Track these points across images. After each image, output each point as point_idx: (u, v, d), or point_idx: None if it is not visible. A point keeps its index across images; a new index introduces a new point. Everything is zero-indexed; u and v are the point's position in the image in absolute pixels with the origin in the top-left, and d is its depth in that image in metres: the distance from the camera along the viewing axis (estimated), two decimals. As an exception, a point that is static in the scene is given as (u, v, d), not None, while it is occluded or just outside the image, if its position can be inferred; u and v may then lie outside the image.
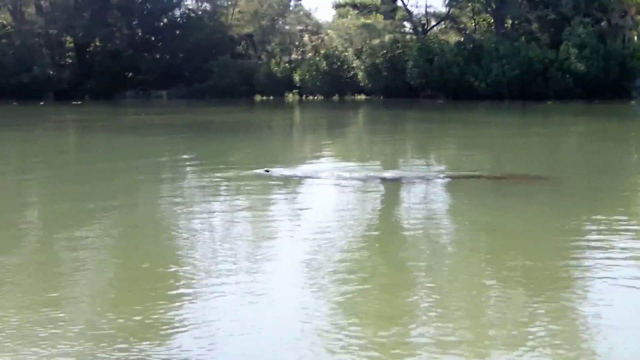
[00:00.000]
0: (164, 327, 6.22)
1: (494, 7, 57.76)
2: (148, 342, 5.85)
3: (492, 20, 60.58)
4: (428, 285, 7.50)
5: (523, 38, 54.71)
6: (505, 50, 53.44)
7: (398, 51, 61.29)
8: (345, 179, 15.09)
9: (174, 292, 7.23)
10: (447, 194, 13.81)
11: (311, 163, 19.04)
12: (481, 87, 54.27)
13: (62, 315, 6.50)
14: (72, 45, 73.40)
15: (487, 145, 24.18)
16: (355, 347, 5.76)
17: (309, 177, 15.55)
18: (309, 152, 22.97)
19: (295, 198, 13.24)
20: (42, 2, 72.83)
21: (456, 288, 7.39)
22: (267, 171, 15.43)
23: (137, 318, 6.39)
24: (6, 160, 20.79)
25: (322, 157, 21.07)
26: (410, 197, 13.39)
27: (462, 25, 64.73)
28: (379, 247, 9.32)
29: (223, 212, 11.84)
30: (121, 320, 6.31)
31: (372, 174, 15.78)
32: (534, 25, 57.24)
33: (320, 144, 25.98)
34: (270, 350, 5.75)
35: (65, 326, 6.19)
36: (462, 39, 59.75)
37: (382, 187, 14.44)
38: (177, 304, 6.82)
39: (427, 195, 13.49)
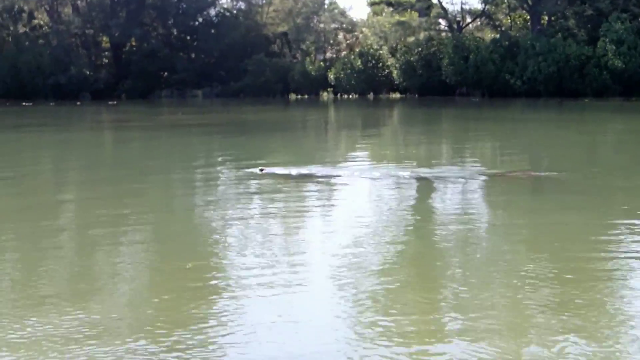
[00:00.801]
0: (203, 320, 6.23)
1: (530, 3, 57.36)
2: (187, 334, 5.91)
3: (528, 17, 60.16)
4: (465, 277, 7.45)
5: (559, 34, 54.24)
6: (541, 47, 53.06)
7: (433, 49, 61.11)
8: (379, 177, 15.04)
9: (212, 287, 7.23)
10: (481, 190, 13.71)
11: (345, 161, 18.98)
12: (517, 84, 53.91)
13: (104, 309, 6.53)
14: (108, 45, 74.06)
15: (523, 143, 24.00)
16: (390, 338, 5.73)
17: (341, 175, 15.51)
18: (343, 150, 22.93)
19: (331, 196, 13.20)
20: (79, 2, 73.45)
21: (493, 280, 7.32)
22: (261, 170, 15.37)
23: (176, 312, 6.43)
24: (42, 160, 20.95)
25: (357, 155, 21.01)
26: (445, 194, 13.30)
27: (497, 22, 64.32)
28: (415, 242, 9.26)
29: (259, 209, 11.84)
30: (161, 317, 6.32)
31: (406, 172, 15.71)
32: (571, 22, 56.76)
33: (355, 142, 25.93)
34: (306, 341, 5.74)
35: (109, 321, 6.22)
36: (497, 36, 59.40)
37: (417, 185, 14.37)
38: (216, 298, 6.84)
39: (460, 192, 13.40)
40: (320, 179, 14.90)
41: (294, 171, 15.93)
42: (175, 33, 74.56)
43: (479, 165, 17.85)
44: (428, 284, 7.39)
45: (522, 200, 12.86)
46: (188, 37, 74.70)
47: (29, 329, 6.18)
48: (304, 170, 16.27)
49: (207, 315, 6.46)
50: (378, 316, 6.31)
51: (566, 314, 6.37)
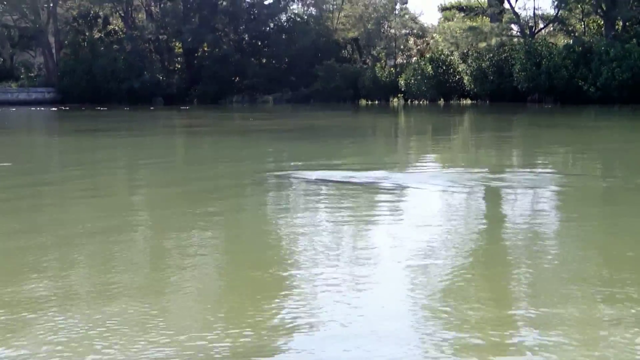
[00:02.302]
0: (272, 321, 6.28)
1: (604, 8, 56.51)
2: (254, 336, 5.94)
3: (602, 22, 59.27)
4: (537, 288, 7.36)
5: (634, 40, 53.31)
6: (615, 53, 52.24)
7: (505, 54, 60.63)
8: (449, 182, 15.00)
9: (281, 287, 7.29)
10: (553, 197, 13.56)
11: (415, 166, 18.95)
12: (590, 90, 53.16)
13: (173, 311, 6.60)
14: (180, 50, 75.05)
15: (596, 150, 23.67)
16: (458, 351, 5.69)
17: (410, 179, 15.50)
18: (414, 155, 22.88)
19: (399, 201, 13.19)
20: (153, 8, 74.53)
21: (567, 292, 7.23)
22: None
23: (245, 314, 6.47)
24: (115, 163, 21.30)
25: (427, 160, 20.95)
26: (516, 201, 13.19)
27: (570, 28, 63.51)
28: (486, 249, 9.21)
29: (326, 213, 11.88)
30: (231, 318, 6.37)
31: (477, 178, 15.63)
32: (646, 27, 55.79)
33: (425, 148, 25.85)
34: (372, 342, 5.76)
35: (178, 321, 6.28)
36: (570, 42, 58.61)
37: (488, 190, 14.28)
38: (284, 300, 6.86)
39: (532, 199, 13.27)
40: (388, 184, 14.89)
41: (361, 175, 15.96)
42: (246, 38, 75.18)
43: (551, 171, 17.67)
44: (499, 295, 7.28)
45: (597, 208, 12.69)
46: (259, 43, 75.26)
47: (101, 320, 6.31)
48: (372, 174, 16.29)
49: (276, 315, 6.51)
50: (447, 328, 6.24)
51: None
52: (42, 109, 59.59)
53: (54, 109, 59.21)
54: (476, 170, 17.84)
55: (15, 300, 7.04)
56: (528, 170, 18.08)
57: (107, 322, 6.40)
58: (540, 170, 18.08)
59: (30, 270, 8.22)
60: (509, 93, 58.63)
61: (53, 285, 7.68)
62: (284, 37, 73.21)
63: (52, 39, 74.01)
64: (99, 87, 66.99)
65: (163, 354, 5.69)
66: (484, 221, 11.43)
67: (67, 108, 58.91)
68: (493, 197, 13.94)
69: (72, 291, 7.44)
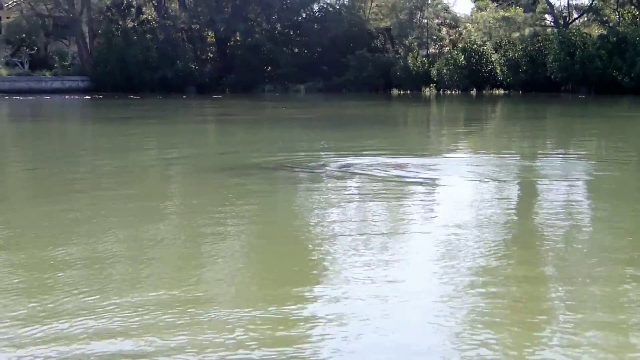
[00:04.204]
0: (301, 313, 6.30)
1: (640, -2, 55.95)
2: (285, 332, 5.94)
3: (637, 12, 58.68)
4: (569, 278, 7.36)
5: (670, 30, 52.79)
6: (651, 43, 51.73)
7: (538, 45, 60.22)
8: (481, 170, 15.01)
9: (311, 282, 7.35)
10: (587, 185, 13.52)
11: (447, 154, 18.96)
12: (625, 81, 52.72)
13: (204, 304, 6.63)
14: (213, 39, 75.13)
15: (630, 140, 23.54)
16: (490, 345, 5.70)
17: (442, 167, 15.54)
18: (447, 143, 22.87)
19: (428, 189, 13.20)
20: (186, -3, 74.67)
21: (600, 282, 7.21)
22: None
23: (273, 308, 6.45)
24: (149, 150, 21.45)
25: (459, 148, 20.94)
26: (550, 189, 13.15)
27: (605, 18, 62.90)
28: (520, 238, 9.22)
29: (358, 201, 11.94)
30: (259, 311, 6.37)
31: (509, 165, 15.62)
32: (682, 17, 55.20)
33: (457, 136, 25.82)
34: (403, 337, 5.77)
35: (210, 312, 6.33)
36: (605, 32, 58.09)
37: (520, 179, 14.27)
38: (314, 294, 6.87)
39: (566, 187, 13.25)
40: (422, 170, 14.92)
41: (393, 162, 16.01)
42: (278, 28, 75.07)
43: (584, 159, 17.61)
44: (534, 290, 7.16)
45: (630, 196, 12.64)
46: (291, 32, 75.13)
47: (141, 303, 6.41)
48: (405, 161, 16.33)
49: (310, 306, 6.54)
50: (479, 323, 6.15)
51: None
52: (76, 97, 59.97)
53: (87, 97, 59.56)
54: (509, 157, 17.82)
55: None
56: (561, 157, 18.04)
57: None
58: (573, 158, 18.03)
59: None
60: (542, 83, 58.22)
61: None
62: (316, 26, 73.03)
63: (85, 28, 74.36)
64: (132, 75, 67.21)
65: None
66: (517, 207, 11.43)
67: (101, 96, 59.23)
68: (526, 184, 13.92)
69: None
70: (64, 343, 5.61)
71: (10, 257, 8.24)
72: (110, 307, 6.38)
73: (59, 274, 7.47)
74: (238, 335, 5.74)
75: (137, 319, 6.12)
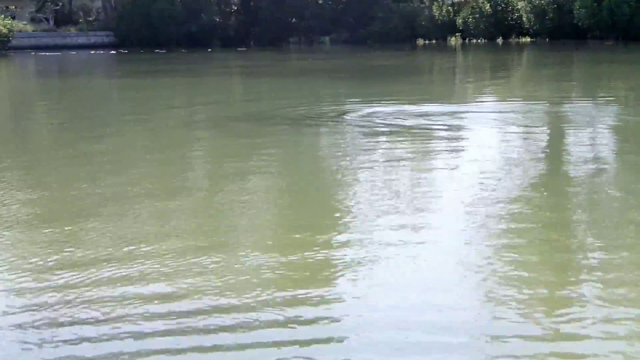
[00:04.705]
0: (325, 270, 6.26)
1: (669, -58, 54.94)
2: (311, 286, 5.88)
3: (667, -44, 57.67)
4: (599, 235, 7.24)
5: (701, -25, 51.84)
6: (681, -13, 50.88)
7: (565, -9, 59.44)
8: (508, 116, 14.97)
9: (337, 234, 7.37)
10: (613, 130, 13.45)
11: (473, 102, 18.88)
12: (654, 27, 52.00)
13: (229, 259, 6.55)
14: (237, -8, 74.72)
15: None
16: (520, 301, 5.63)
17: (467, 115, 15.52)
18: (471, 92, 22.76)
19: (454, 136, 13.17)
20: (209, -50, 74.19)
21: (627, 239, 7.12)
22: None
23: (299, 263, 6.35)
24: (174, 103, 21.52)
25: (485, 97, 20.84)
26: (577, 135, 13.09)
27: (633, -37, 61.88)
28: (548, 186, 9.21)
29: (382, 151, 11.95)
30: (282, 269, 6.28)
31: (536, 110, 15.57)
32: None
33: (483, 85, 25.67)
34: (428, 293, 5.74)
35: (234, 270, 6.31)
36: (633, -23, 57.20)
37: (547, 124, 14.22)
38: (340, 248, 6.77)
39: (592, 135, 13.18)
40: (446, 118, 14.90)
41: (419, 110, 16.00)
42: (303, -21, 74.62)
43: (612, 105, 17.50)
44: (560, 241, 6.97)
45: None
46: (316, -17, 74.66)
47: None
48: (431, 109, 16.31)
49: (334, 265, 6.52)
50: (507, 279, 5.94)
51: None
52: (101, 52, 60.15)
53: (113, 52, 59.72)
54: (537, 104, 17.75)
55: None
56: (589, 103, 17.92)
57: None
58: (601, 103, 17.91)
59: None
60: (569, 30, 57.52)
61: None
62: (340, -23, 72.62)
63: (109, -17, 74.46)
64: (157, 30, 67.14)
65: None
66: (545, 152, 11.40)
67: (126, 51, 59.34)
68: (554, 130, 13.87)
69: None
70: (100, 287, 5.72)
71: (38, 199, 8.39)
72: (140, 254, 6.47)
73: (90, 216, 7.60)
74: (267, 278, 5.82)
75: (169, 263, 6.22)
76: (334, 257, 6.33)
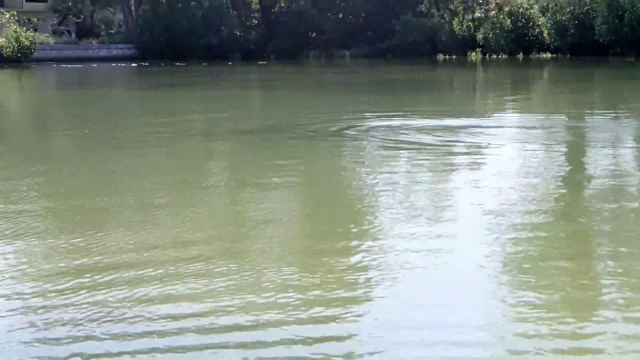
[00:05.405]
0: (350, 274, 6.27)
1: (692, -42, 54.81)
2: (334, 290, 5.90)
3: (689, -27, 57.50)
4: (618, 245, 7.24)
5: None
6: (702, 4, 50.67)
7: (586, 7, 59.37)
8: (529, 131, 14.92)
9: (357, 236, 7.36)
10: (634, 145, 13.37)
11: (493, 117, 18.82)
12: (675, 43, 51.80)
13: (250, 265, 6.60)
14: (257, 6, 75.08)
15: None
16: (537, 307, 5.62)
17: (488, 130, 15.46)
18: (492, 107, 22.70)
19: (476, 150, 13.11)
20: (230, -36, 74.56)
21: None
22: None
23: (321, 269, 6.40)
24: (194, 115, 21.56)
25: (506, 112, 20.76)
26: (598, 150, 13.00)
27: (655, -21, 61.75)
28: (566, 200, 9.16)
29: (405, 163, 11.92)
30: (305, 274, 6.33)
31: (557, 126, 15.50)
32: None
33: (503, 100, 25.57)
34: (447, 297, 5.74)
35: (254, 275, 6.34)
36: (655, -7, 57.05)
37: (568, 140, 14.16)
38: (364, 254, 6.81)
39: (612, 148, 13.09)
40: (467, 133, 14.86)
41: (441, 124, 15.97)
42: (323, -7, 74.88)
43: (635, 121, 17.42)
44: (581, 250, 7.03)
45: None
46: (336, -2, 74.89)
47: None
48: (452, 123, 16.28)
49: (358, 267, 6.55)
50: (526, 283, 6.06)
51: None
52: (123, 65, 60.45)
53: (134, 65, 60.00)
54: (557, 118, 17.69)
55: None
56: (609, 118, 17.83)
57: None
58: (624, 120, 17.82)
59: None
60: (590, 46, 57.46)
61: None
62: (360, -9, 72.80)
63: (131, -4, 74.99)
64: (177, 43, 67.55)
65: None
66: (566, 170, 11.34)
67: (147, 64, 59.62)
68: (574, 145, 13.80)
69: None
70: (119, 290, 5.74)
71: (61, 204, 8.41)
72: (162, 258, 6.47)
73: (112, 218, 7.61)
74: (286, 290, 5.80)
75: (189, 266, 6.25)
76: (355, 268, 6.31)
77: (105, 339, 4.96)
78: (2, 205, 8.83)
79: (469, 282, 5.99)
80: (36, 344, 4.90)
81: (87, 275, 6.15)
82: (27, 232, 7.62)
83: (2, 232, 7.55)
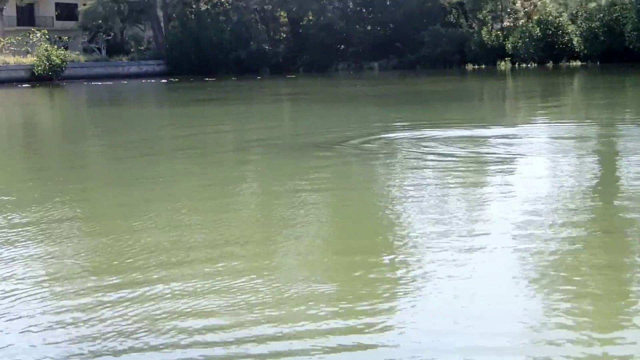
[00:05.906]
0: (377, 287, 6.26)
1: None
2: (362, 304, 5.87)
3: None
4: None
5: None
6: None
7: (616, 14, 58.97)
8: (559, 141, 14.84)
9: (388, 250, 7.35)
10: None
11: (525, 126, 18.72)
12: None
13: (274, 272, 6.71)
14: (286, 19, 75.36)
15: None
16: (573, 317, 5.56)
17: (519, 140, 15.41)
18: (522, 116, 22.60)
19: (507, 161, 13.04)
20: (259, -22, 74.93)
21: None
22: None
23: (349, 282, 6.40)
24: (225, 129, 21.65)
25: (537, 122, 20.64)
26: (629, 164, 12.88)
27: (686, -16, 61.27)
28: (598, 210, 9.09)
29: (434, 174, 11.90)
30: (336, 284, 6.37)
31: (588, 136, 15.40)
32: None
33: (534, 110, 25.45)
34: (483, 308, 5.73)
35: (278, 282, 6.40)
36: (686, -1, 56.60)
37: (599, 150, 14.06)
38: (392, 270, 6.77)
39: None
40: (499, 143, 14.81)
41: (470, 134, 15.93)
42: (351, 6, 74.95)
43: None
44: (614, 261, 6.87)
45: None
46: (364, 10, 74.92)
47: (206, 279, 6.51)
48: (483, 133, 16.23)
49: (386, 288, 6.55)
50: (558, 293, 5.97)
51: None
52: (153, 81, 60.85)
53: (163, 80, 60.38)
54: (589, 127, 17.58)
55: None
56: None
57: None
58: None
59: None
60: (620, 53, 57.07)
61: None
62: (388, 3, 72.72)
63: (160, 13, 75.41)
64: (207, 58, 67.94)
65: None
66: (599, 180, 11.26)
67: (177, 79, 59.97)
68: (607, 154, 13.70)
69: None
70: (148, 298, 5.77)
71: (92, 215, 8.49)
72: (193, 272, 6.49)
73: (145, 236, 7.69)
74: (316, 301, 5.80)
75: (222, 278, 6.27)
76: (387, 280, 6.31)
77: (130, 348, 4.98)
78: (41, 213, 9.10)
79: (501, 292, 5.95)
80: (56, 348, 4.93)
81: (119, 276, 6.20)
82: (69, 235, 7.96)
83: (42, 236, 7.66)
